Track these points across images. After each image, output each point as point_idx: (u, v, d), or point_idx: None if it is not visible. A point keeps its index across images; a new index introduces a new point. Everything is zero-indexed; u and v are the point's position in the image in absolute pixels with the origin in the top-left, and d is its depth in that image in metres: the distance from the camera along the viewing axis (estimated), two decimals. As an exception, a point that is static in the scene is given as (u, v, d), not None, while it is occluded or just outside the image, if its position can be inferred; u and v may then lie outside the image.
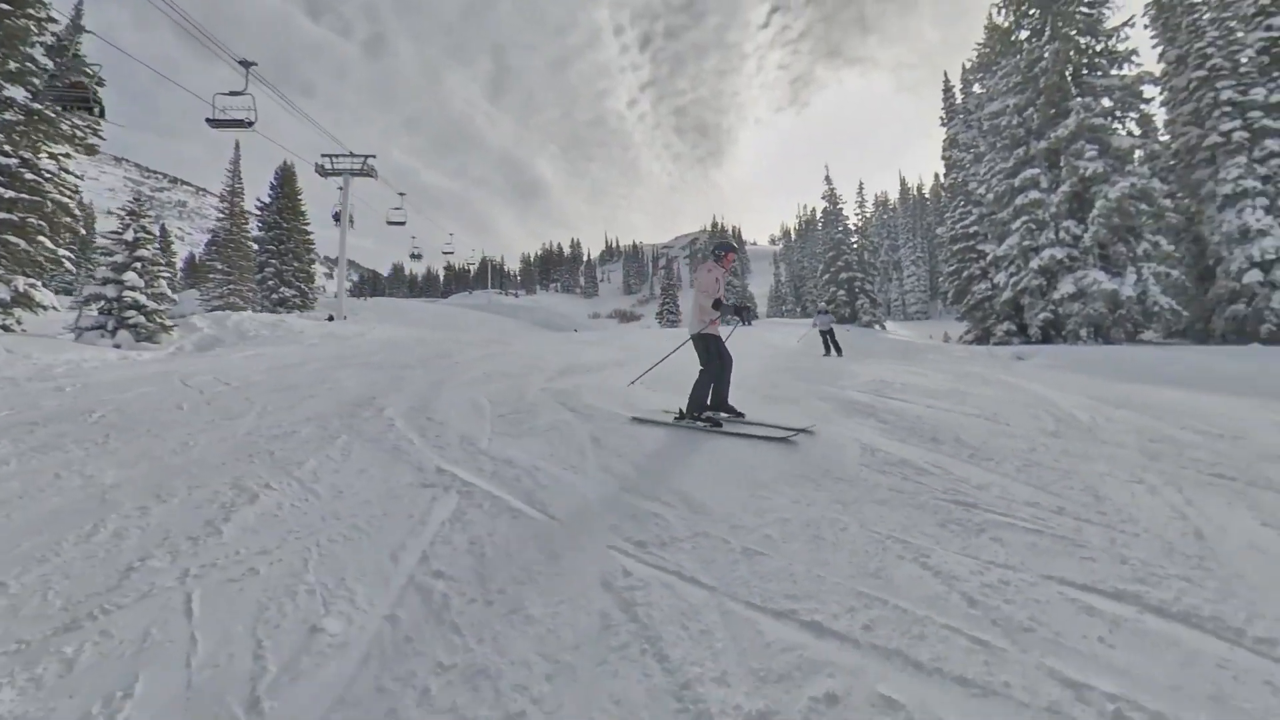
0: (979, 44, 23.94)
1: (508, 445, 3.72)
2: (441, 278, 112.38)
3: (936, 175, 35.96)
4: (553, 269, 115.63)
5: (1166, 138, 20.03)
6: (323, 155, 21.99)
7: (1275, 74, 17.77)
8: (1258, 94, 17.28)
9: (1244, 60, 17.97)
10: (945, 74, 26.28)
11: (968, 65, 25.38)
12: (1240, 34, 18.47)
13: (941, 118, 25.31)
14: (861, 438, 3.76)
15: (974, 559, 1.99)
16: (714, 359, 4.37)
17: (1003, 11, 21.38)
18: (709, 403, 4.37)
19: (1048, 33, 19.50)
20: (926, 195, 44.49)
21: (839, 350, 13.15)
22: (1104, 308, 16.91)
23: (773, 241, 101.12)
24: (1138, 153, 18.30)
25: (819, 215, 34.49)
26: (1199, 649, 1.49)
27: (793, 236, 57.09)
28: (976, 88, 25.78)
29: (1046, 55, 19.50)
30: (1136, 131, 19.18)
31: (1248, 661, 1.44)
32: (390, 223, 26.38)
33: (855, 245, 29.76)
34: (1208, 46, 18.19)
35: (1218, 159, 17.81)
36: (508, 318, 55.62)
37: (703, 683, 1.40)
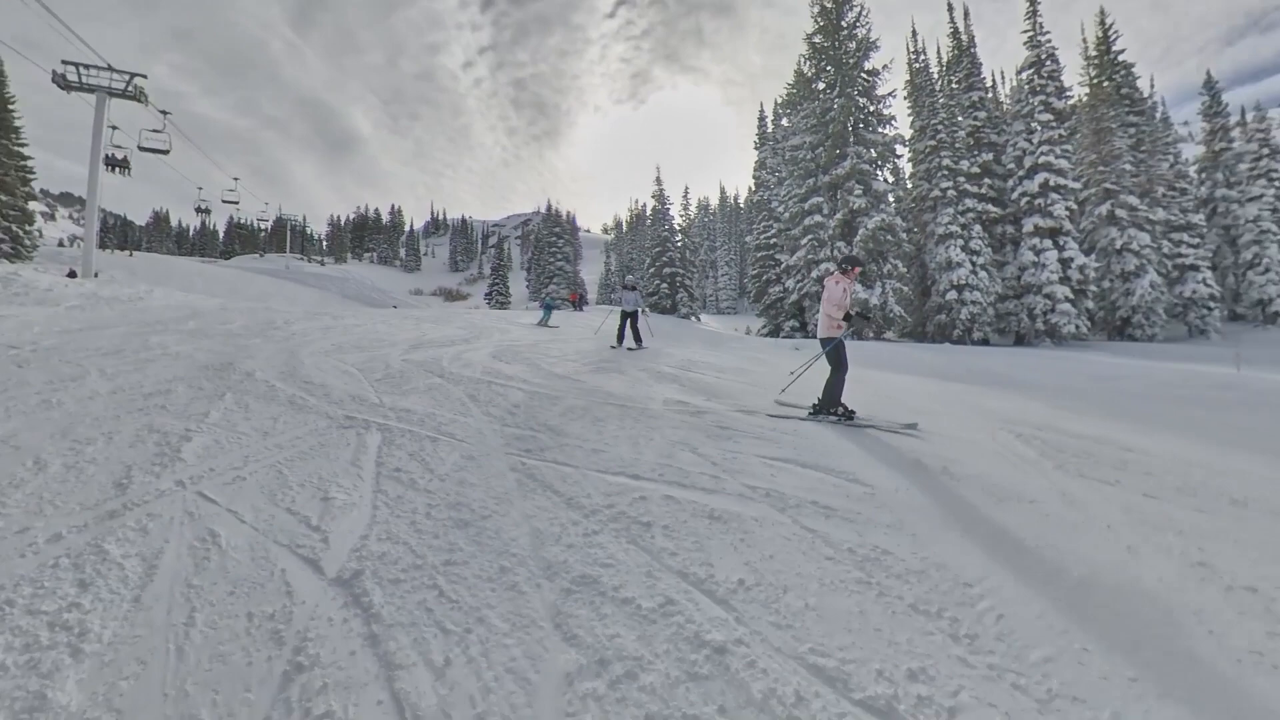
0: (789, 85, 28.69)
1: (399, 400, 4.59)
2: (221, 234, 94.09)
3: (750, 189, 41.60)
4: (368, 237, 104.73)
5: (909, 186, 26.61)
6: (66, 63, 17.78)
7: (975, 152, 24.84)
8: (964, 164, 23.96)
9: (959, 138, 24.73)
10: (761, 105, 30.98)
11: (779, 100, 30.23)
12: (960, 119, 25.35)
13: (755, 141, 29.85)
14: (667, 394, 5.43)
15: (721, 450, 3.65)
16: (843, 362, 4.93)
17: (808, 63, 25.96)
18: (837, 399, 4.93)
19: (838, 89, 24.36)
20: (741, 205, 50.99)
21: (638, 339, 10.27)
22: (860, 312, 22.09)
23: (605, 231, 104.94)
24: (890, 195, 24.00)
25: (649, 211, 37.57)
26: (812, 476, 3.26)
27: (624, 228, 60.53)
28: (784, 121, 30.85)
29: (835, 107, 24.34)
30: (890, 179, 25.14)
31: (831, 480, 3.23)
32: (145, 149, 19.96)
33: (679, 244, 33.40)
34: (938, 124, 24.58)
35: (937, 208, 24.27)
36: (311, 288, 49.59)
37: (579, 498, 2.74)
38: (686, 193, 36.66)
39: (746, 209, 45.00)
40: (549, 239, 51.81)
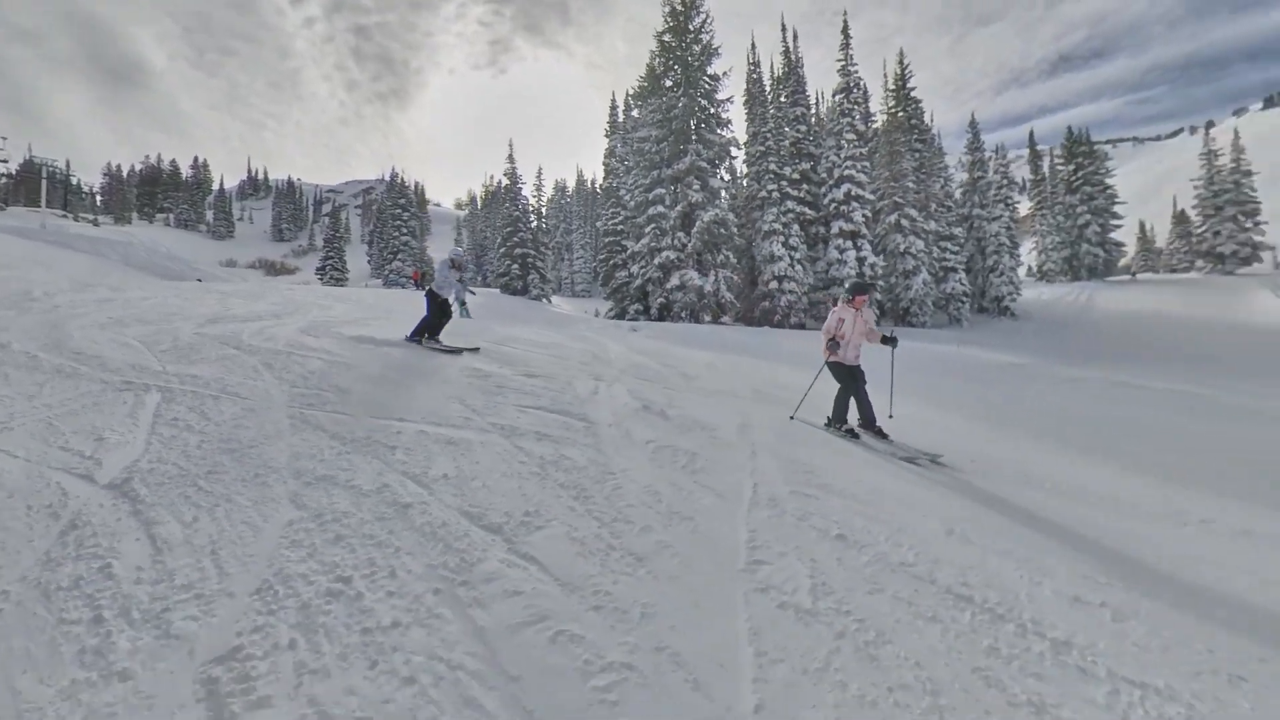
0: (641, 77, 30.24)
1: (186, 368, 4.84)
2: (-76, 174, 72.97)
3: (600, 175, 42.86)
4: (163, 194, 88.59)
5: (744, 184, 29.71)
6: None
7: (797, 161, 28.45)
8: (787, 170, 27.38)
9: (784, 146, 28.12)
10: (613, 94, 32.23)
11: (630, 91, 31.76)
12: (786, 129, 28.78)
13: (606, 129, 31.09)
14: (470, 365, 6.25)
15: (486, 402, 4.59)
16: (841, 382, 5.45)
17: (658, 60, 27.58)
18: (849, 416, 5.43)
19: (683, 88, 26.31)
20: (598, 189, 52.49)
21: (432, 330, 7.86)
22: (695, 298, 24.49)
23: (459, 206, 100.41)
24: (725, 192, 26.65)
25: (503, 188, 37.26)
26: (551, 417, 4.32)
27: (478, 204, 58.76)
28: (635, 113, 32.48)
29: (680, 105, 26.29)
30: (726, 177, 27.90)
31: (564, 419, 4.31)
32: None
33: (532, 224, 33.73)
34: (767, 132, 27.71)
35: (764, 207, 27.49)
36: (82, 254, 41.13)
37: (344, 434, 3.48)
38: (540, 173, 36.91)
39: (597, 194, 46.45)
40: (394, 211, 48.61)
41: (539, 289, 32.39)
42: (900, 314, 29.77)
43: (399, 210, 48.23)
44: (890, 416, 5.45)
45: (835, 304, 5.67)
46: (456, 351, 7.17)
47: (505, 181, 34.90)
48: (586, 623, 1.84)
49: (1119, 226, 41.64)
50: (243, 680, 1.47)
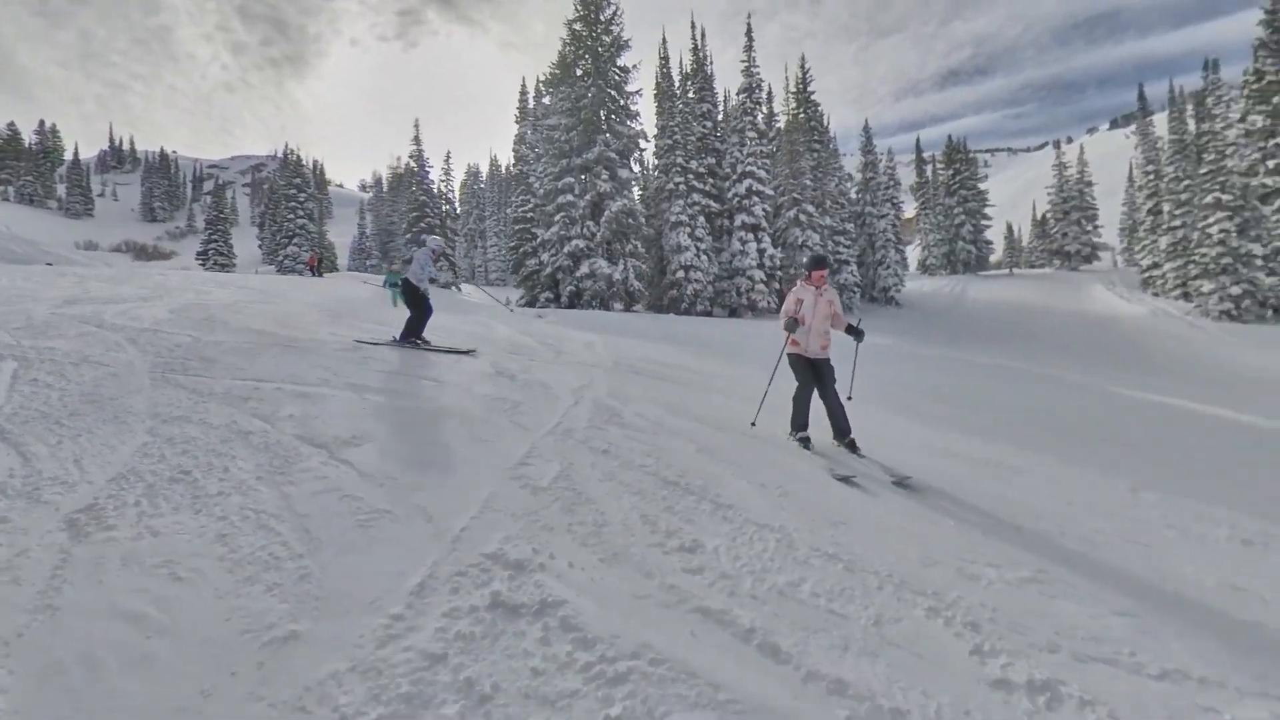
0: (553, 64, 30.48)
1: (44, 342, 5.07)
2: None
3: (510, 161, 42.57)
4: (-2, 161, 77.55)
5: (655, 176, 30.84)
6: None
7: (703, 155, 29.90)
8: (694, 164, 28.76)
9: (691, 141, 29.47)
10: (524, 80, 32.32)
11: (542, 78, 31.90)
12: (693, 124, 30.12)
13: (516, 115, 31.19)
14: (350, 341, 6.74)
15: (350, 367, 5.19)
16: (797, 379, 4.79)
17: (569, 48, 27.99)
18: (802, 421, 4.73)
19: (592, 79, 26.93)
20: (510, 175, 52.17)
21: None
22: (604, 285, 25.39)
23: (364, 188, 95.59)
24: (633, 183, 27.65)
25: (409, 171, 36.28)
26: (399, 377, 5.00)
27: (384, 187, 56.40)
28: (546, 99, 32.72)
29: (590, 95, 26.91)
30: (635, 169, 28.91)
31: (409, 379, 5.01)
32: None
33: (442, 210, 33.24)
34: (674, 127, 28.94)
35: (671, 199, 28.77)
36: (-107, 227, 35.73)
37: (203, 390, 4.02)
38: (449, 157, 36.28)
39: (511, 180, 46.17)
40: (288, 191, 45.79)
41: (450, 277, 32.02)
42: (798, 303, 32.19)
43: (294, 191, 45.51)
44: (849, 398, 4.83)
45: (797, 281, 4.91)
46: (460, 353, 6.90)
47: (411, 164, 34.07)
48: (369, 493, 2.63)
49: (989, 226, 46.84)
50: (97, 519, 2.14)
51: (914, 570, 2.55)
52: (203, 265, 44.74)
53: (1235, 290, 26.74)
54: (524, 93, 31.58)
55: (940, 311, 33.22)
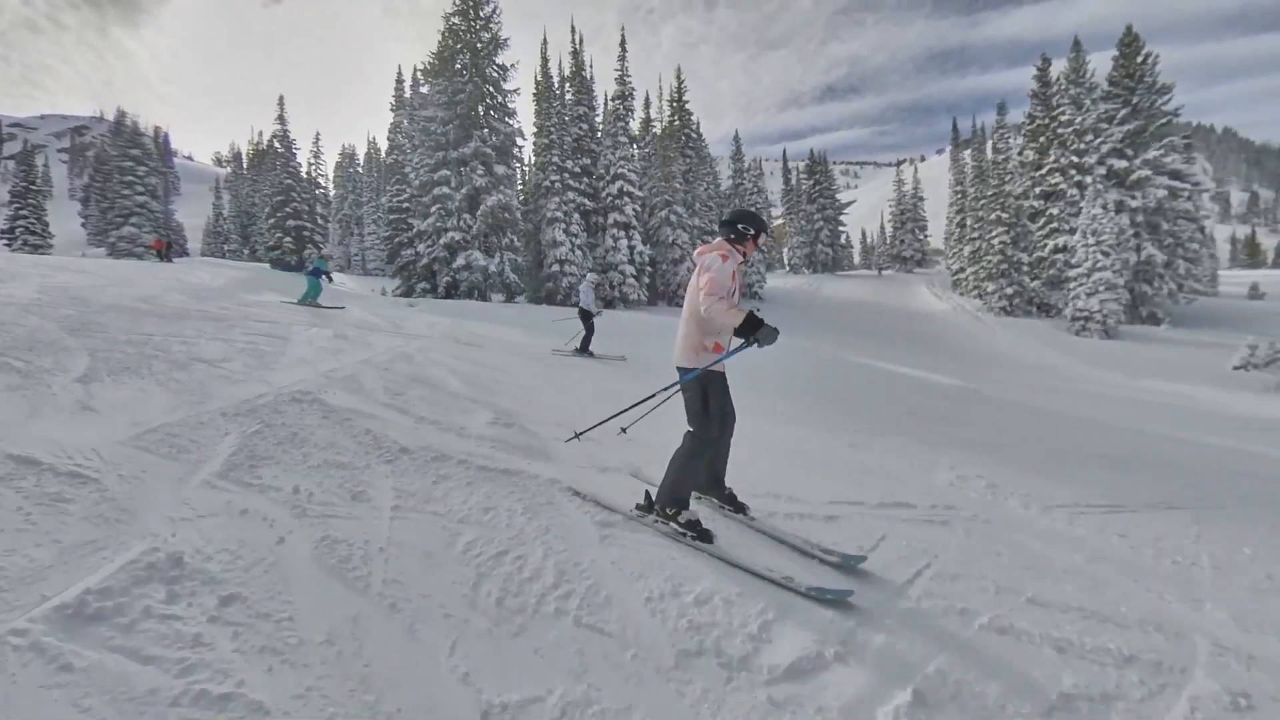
0: (433, 53, 31.06)
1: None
2: None
3: (385, 149, 42.11)
4: None
5: (536, 172, 32.56)
6: None
7: (579, 156, 32.08)
8: (569, 163, 30.86)
9: (567, 141, 31.52)
10: (399, 68, 32.60)
11: (420, 66, 32.38)
12: (570, 125, 32.17)
13: (392, 103, 31.47)
14: (221, 317, 8.14)
15: (214, 331, 6.77)
16: (712, 418, 3.01)
17: (447, 41, 28.83)
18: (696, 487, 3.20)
19: (470, 74, 28.07)
20: (386, 164, 51.28)
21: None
22: (481, 277, 26.81)
23: (220, 162, 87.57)
24: (510, 179, 29.18)
25: (272, 149, 35.04)
26: (252, 342, 6.68)
27: (245, 163, 52.70)
28: (425, 89, 33.19)
29: (467, 90, 28.04)
30: (514, 164, 30.45)
31: (247, 339, 6.70)
32: None
33: (313, 195, 32.63)
34: (551, 126, 30.85)
35: (548, 195, 30.70)
36: None
37: (130, 340, 5.53)
38: (318, 138, 35.40)
39: (381, 169, 45.51)
40: (123, 162, 41.65)
41: (317, 265, 31.60)
42: (670, 295, 35.45)
43: (131, 163, 41.51)
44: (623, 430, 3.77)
45: (717, 241, 3.12)
46: (613, 358, 9.74)
47: (276, 144, 32.97)
48: (221, 373, 4.51)
49: (844, 231, 53.58)
50: (88, 379, 3.89)
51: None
52: (8, 245, 39.49)
53: (1009, 290, 33.71)
54: (400, 81, 31.89)
55: (793, 304, 38.15)
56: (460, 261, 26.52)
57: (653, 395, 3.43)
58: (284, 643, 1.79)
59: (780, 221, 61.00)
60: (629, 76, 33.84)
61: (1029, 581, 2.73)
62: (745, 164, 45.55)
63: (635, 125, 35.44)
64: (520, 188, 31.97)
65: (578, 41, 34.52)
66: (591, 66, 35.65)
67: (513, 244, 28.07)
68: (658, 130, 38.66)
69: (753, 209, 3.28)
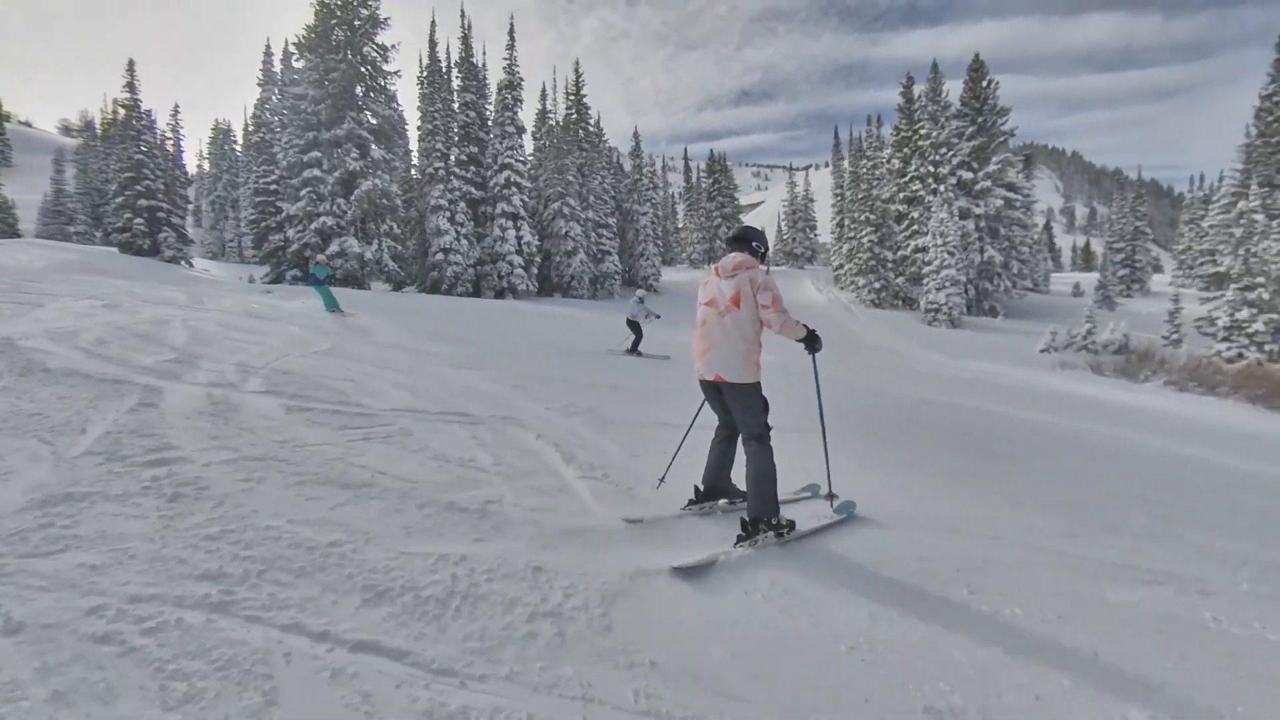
0: (308, 27, 29.46)
1: None
2: None
3: (251, 127, 39.34)
4: None
5: (420, 158, 31.83)
6: None
7: (466, 144, 31.67)
8: (454, 151, 30.47)
9: (453, 128, 31.05)
10: (269, 40, 30.69)
11: (293, 40, 30.56)
12: (456, 111, 31.69)
13: (259, 78, 29.63)
14: (87, 297, 7.77)
15: (67, 300, 6.56)
16: (760, 413, 3.19)
17: (322, 13, 27.45)
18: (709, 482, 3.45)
19: (344, 52, 26.99)
20: (253, 143, 48.03)
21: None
22: (357, 265, 26.00)
23: (67, 131, 78.19)
24: (388, 163, 28.35)
25: (121, 120, 31.92)
26: (88, 307, 6.55)
27: (97, 133, 47.30)
28: (300, 63, 31.44)
29: (341, 69, 26.95)
30: (393, 149, 29.63)
31: (114, 320, 6.59)
32: None
33: (172, 174, 30.07)
34: (435, 111, 30.30)
35: (432, 183, 30.17)
36: None
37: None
38: (177, 110, 32.59)
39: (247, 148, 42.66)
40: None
41: (176, 249, 29.23)
42: (563, 287, 35.90)
43: (-55, 129, 36.26)
44: None
45: (745, 259, 3.25)
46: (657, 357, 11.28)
47: (124, 112, 30.00)
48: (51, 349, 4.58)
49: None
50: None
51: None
52: None
53: (877, 285, 36.90)
54: (269, 54, 29.97)
55: (685, 295, 39.54)
56: (335, 248, 25.58)
57: (690, 426, 3.91)
58: None
59: (681, 224, 62.92)
60: (518, 66, 33.83)
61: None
62: (644, 159, 46.67)
63: (527, 117, 35.45)
64: (406, 174, 31.16)
65: (467, 26, 34.02)
66: (485, 54, 35.32)
67: (392, 231, 27.41)
68: (555, 123, 38.88)
69: (757, 227, 3.48)
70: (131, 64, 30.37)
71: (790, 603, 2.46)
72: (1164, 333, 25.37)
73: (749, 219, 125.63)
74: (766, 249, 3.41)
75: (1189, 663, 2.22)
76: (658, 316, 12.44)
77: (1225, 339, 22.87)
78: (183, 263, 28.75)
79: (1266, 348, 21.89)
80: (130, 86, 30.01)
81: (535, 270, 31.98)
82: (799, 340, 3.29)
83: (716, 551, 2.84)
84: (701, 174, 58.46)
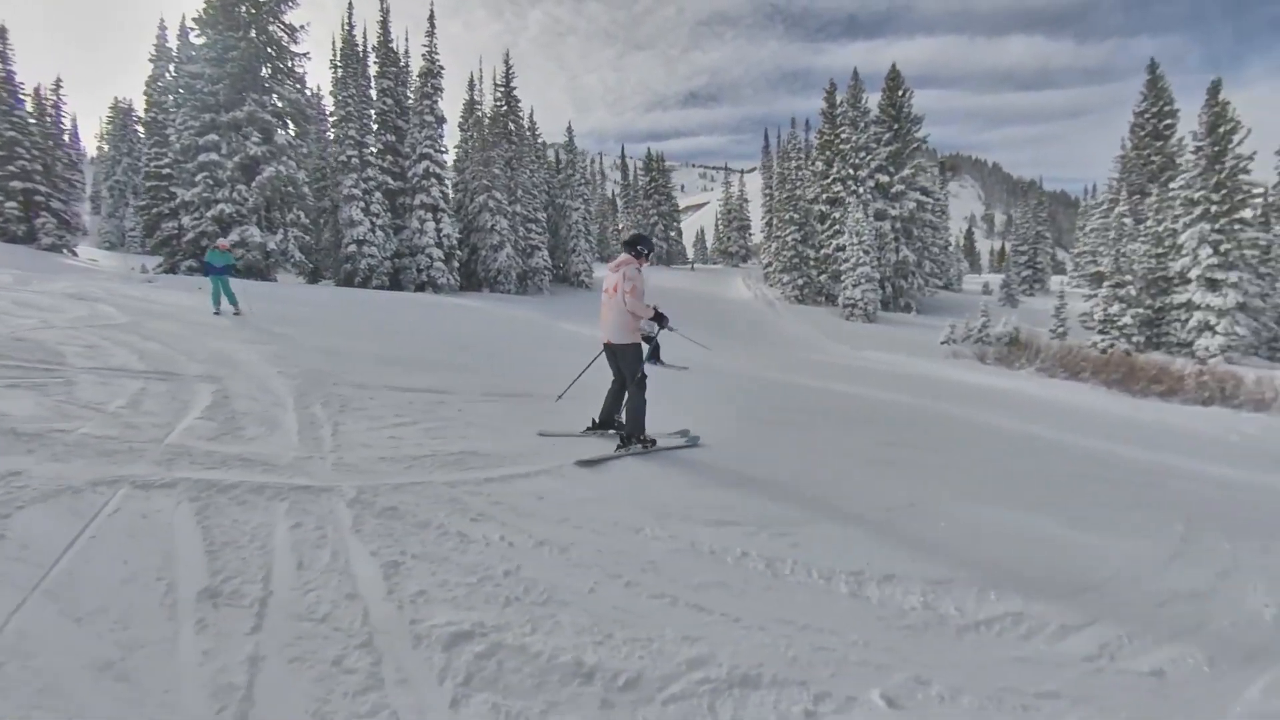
0: (208, 1, 27.70)
1: None
2: None
3: (144, 107, 36.47)
4: None
5: (334, 145, 30.55)
6: None
7: (382, 132, 30.68)
8: (369, 139, 29.43)
9: (368, 115, 29.96)
10: (162, 16, 28.79)
11: (191, 15, 28.71)
12: (373, 97, 30.61)
13: (151, 53, 27.72)
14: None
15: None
16: (641, 369, 4.59)
17: None
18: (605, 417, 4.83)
19: (245, 30, 25.58)
20: (143, 122, 45.02)
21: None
22: (260, 255, 24.73)
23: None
24: (294, 149, 27.10)
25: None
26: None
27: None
28: (200, 39, 29.57)
29: (242, 47, 25.55)
30: (301, 134, 28.32)
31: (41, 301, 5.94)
32: None
33: (53, 151, 27.67)
34: (348, 97, 29.18)
35: (345, 171, 29.06)
36: None
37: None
38: (60, 83, 29.97)
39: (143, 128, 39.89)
40: None
41: (56, 237, 26.93)
42: (489, 281, 35.31)
43: None
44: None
45: (626, 258, 4.56)
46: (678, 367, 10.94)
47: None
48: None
49: (679, 227, 56.83)
50: None
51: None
52: None
53: (800, 282, 38.11)
54: (163, 28, 28.03)
55: (616, 295, 39.82)
56: (234, 237, 24.22)
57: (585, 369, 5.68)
58: None
59: (621, 224, 63.04)
60: (438, 54, 33.02)
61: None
62: (578, 154, 46.49)
63: (454, 108, 34.67)
64: (319, 162, 29.83)
65: (385, 10, 32.96)
66: (408, 40, 34.35)
67: (300, 220, 26.25)
68: (482, 114, 38.16)
69: (646, 233, 5.68)
70: (2, 30, 27.78)
71: (633, 487, 3.78)
72: (1051, 326, 27.36)
73: (694, 219, 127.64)
74: (650, 250, 4.71)
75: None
76: (671, 327, 11.46)
77: (1101, 331, 24.92)
78: (64, 251, 26.57)
79: (1134, 339, 24.00)
80: (1, 55, 27.48)
81: (457, 264, 31.32)
82: (651, 319, 4.73)
83: (606, 454, 4.36)
84: (639, 172, 58.84)
